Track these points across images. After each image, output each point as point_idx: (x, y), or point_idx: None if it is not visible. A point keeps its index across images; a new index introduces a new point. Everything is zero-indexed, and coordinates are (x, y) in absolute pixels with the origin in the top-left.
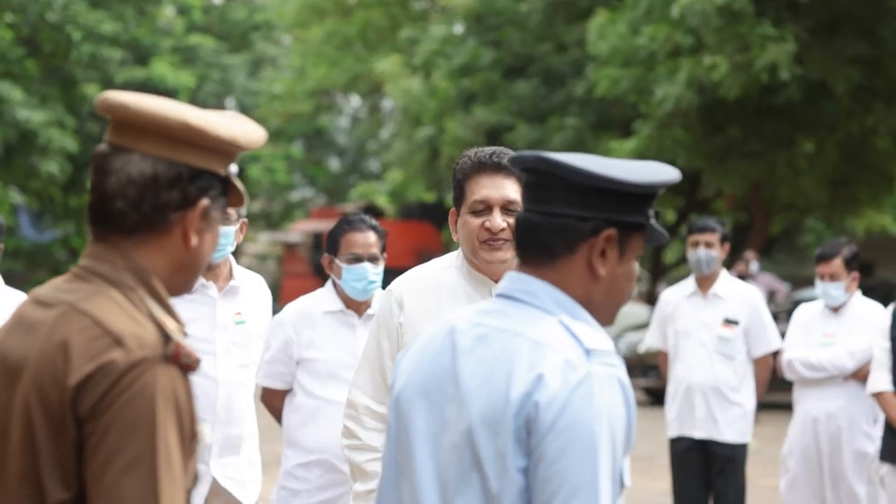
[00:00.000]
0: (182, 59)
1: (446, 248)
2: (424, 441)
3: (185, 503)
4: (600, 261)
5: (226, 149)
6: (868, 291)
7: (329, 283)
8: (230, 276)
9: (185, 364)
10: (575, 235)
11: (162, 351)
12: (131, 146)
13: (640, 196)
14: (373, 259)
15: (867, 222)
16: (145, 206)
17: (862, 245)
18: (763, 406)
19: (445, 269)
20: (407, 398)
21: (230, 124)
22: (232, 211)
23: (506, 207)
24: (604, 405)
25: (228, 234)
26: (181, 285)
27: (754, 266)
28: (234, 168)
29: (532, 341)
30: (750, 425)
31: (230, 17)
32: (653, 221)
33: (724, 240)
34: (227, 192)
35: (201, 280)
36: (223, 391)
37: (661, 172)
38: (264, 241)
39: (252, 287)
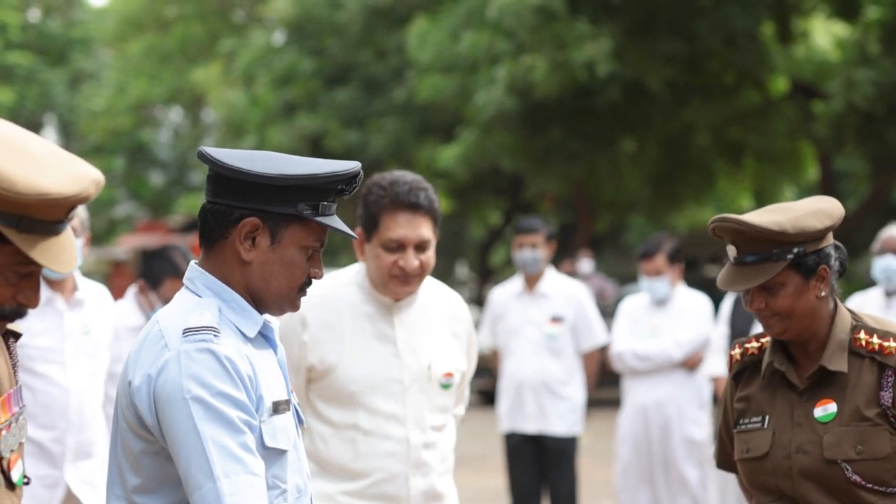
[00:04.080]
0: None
1: None
2: None
3: None
4: (245, 246)
5: None
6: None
7: (131, 298)
8: (75, 287)
9: None
10: (224, 222)
11: None
12: None
13: (286, 189)
14: None
15: (690, 218)
16: None
17: (686, 241)
18: (593, 403)
19: (346, 285)
20: None
21: None
22: (77, 223)
23: (419, 246)
24: (192, 377)
25: None
26: None
27: (588, 266)
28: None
29: (157, 327)
30: (580, 418)
31: (47, 31)
32: (307, 213)
33: (549, 238)
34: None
35: (47, 293)
36: (74, 399)
37: (304, 166)
38: (90, 259)
39: (97, 298)
